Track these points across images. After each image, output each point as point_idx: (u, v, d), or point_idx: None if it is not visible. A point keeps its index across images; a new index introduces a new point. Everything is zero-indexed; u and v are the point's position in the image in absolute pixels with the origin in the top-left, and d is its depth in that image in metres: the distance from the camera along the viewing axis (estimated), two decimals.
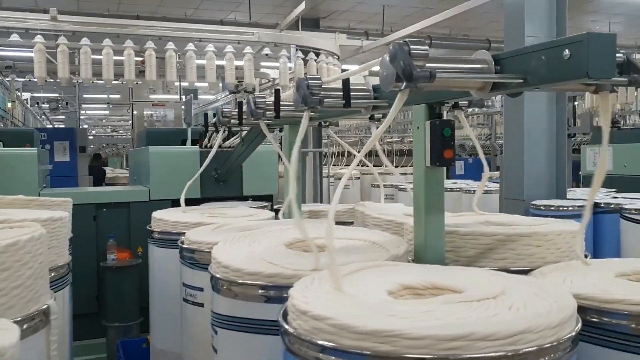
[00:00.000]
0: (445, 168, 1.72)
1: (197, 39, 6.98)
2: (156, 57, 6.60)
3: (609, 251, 4.76)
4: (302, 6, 7.05)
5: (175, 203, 4.52)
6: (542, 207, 5.00)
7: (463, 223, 1.98)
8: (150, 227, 3.06)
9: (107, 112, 20.14)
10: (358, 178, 12.27)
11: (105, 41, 6.35)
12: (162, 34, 6.82)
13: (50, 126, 18.08)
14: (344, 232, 2.15)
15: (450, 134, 1.68)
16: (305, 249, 1.85)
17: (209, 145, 5.06)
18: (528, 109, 5.29)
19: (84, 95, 19.84)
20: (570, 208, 4.88)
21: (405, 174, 12.96)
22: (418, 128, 1.74)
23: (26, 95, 16.65)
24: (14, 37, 6.51)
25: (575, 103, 10.74)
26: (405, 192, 7.76)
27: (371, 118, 2.59)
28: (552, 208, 4.93)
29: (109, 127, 22.03)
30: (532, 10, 5.31)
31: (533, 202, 5.09)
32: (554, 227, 1.88)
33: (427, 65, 1.35)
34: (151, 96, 11.46)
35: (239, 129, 3.91)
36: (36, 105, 12.26)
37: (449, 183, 8.53)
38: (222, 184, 4.59)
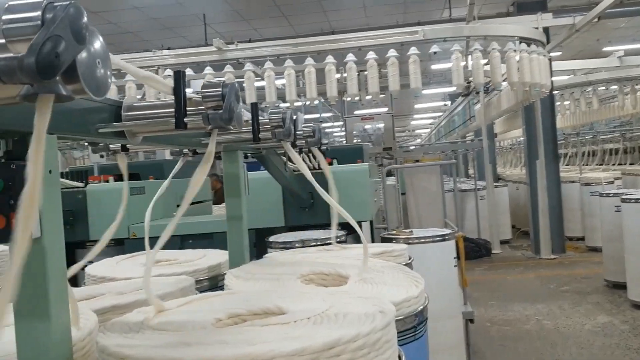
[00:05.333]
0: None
1: (357, 47, 6.54)
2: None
3: None
4: None
5: (260, 233, 4.16)
6: None
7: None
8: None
9: None
10: (612, 182, 10.07)
11: (287, 62, 6.36)
12: (321, 49, 6.56)
13: None
14: None
15: (3, 188, 0.96)
16: None
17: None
18: None
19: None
20: None
21: None
22: None
23: None
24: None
25: None
26: (632, 204, 5.96)
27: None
28: None
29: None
30: None
31: None
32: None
33: None
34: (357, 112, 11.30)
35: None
36: None
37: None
38: (307, 210, 4.05)
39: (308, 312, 1.20)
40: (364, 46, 6.46)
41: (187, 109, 1.28)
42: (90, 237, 4.43)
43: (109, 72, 0.77)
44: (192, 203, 5.61)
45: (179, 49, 8.32)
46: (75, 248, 4.67)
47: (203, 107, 1.29)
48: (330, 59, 6.36)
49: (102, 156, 6.11)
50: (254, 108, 1.88)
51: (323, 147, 3.44)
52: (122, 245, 4.39)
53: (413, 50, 6.29)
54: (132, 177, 5.16)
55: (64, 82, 0.67)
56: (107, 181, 4.72)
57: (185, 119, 1.24)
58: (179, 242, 4.28)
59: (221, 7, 9.42)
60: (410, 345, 1.61)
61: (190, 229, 4.32)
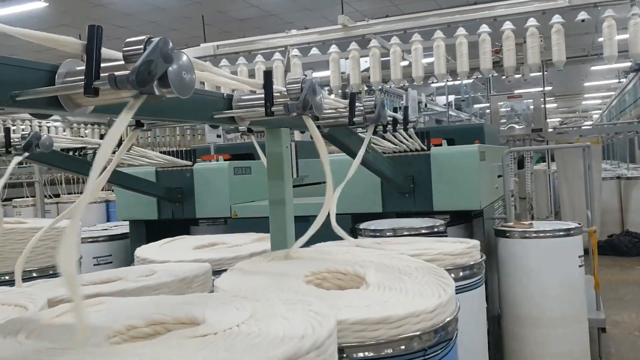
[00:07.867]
0: None
1: (492, 17, 5.93)
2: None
3: None
4: None
5: (355, 218, 3.90)
6: None
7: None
8: None
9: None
10: None
11: (437, 33, 5.94)
12: (450, 21, 6.06)
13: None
14: None
15: None
16: None
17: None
18: None
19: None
20: None
21: None
22: None
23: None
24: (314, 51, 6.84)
25: None
26: None
27: None
28: None
29: None
30: None
31: None
32: None
33: None
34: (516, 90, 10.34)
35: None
36: None
37: None
38: (407, 196, 3.71)
39: (223, 325, 0.95)
40: (500, 16, 5.84)
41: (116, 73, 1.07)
42: (197, 214, 4.46)
43: None
44: (314, 183, 5.30)
45: (306, 30, 8.24)
46: (190, 225, 4.76)
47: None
48: (461, 31, 5.85)
49: (218, 136, 6.22)
50: (267, 77, 1.63)
51: (410, 125, 3.09)
52: (226, 225, 4.38)
53: (556, 18, 5.56)
54: (247, 157, 5.15)
55: None
56: (218, 160, 4.74)
57: (95, 83, 1.03)
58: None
59: None
60: None
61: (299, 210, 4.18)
